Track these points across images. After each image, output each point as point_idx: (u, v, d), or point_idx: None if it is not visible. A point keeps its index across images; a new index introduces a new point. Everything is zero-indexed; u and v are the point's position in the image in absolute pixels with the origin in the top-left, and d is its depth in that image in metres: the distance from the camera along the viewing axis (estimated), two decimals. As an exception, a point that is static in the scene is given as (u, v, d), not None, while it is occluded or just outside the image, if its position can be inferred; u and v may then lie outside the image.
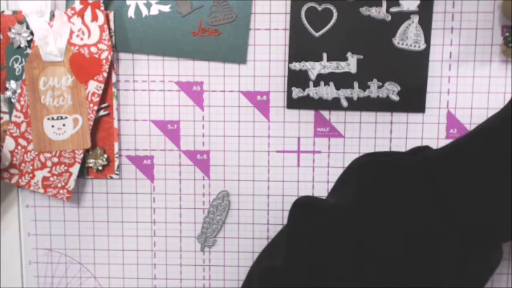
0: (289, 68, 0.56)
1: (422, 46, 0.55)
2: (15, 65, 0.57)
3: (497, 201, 0.42)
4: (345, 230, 0.45)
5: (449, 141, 0.56)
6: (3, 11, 0.56)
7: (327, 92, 0.56)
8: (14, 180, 0.58)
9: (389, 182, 0.46)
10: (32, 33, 0.56)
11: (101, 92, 0.56)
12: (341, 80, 0.55)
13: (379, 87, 0.55)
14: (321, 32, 0.55)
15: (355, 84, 0.55)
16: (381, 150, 0.57)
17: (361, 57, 0.55)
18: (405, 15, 0.54)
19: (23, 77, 0.56)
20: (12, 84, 0.57)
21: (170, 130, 0.58)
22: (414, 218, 0.44)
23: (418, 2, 0.54)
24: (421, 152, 0.48)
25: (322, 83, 0.56)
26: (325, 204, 0.49)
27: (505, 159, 0.42)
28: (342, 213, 0.46)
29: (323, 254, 0.46)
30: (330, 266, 0.45)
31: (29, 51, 0.56)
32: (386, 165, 0.47)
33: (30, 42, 0.56)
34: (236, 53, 0.56)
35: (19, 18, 0.56)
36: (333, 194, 0.52)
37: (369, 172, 0.47)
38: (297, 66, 0.56)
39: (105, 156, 0.58)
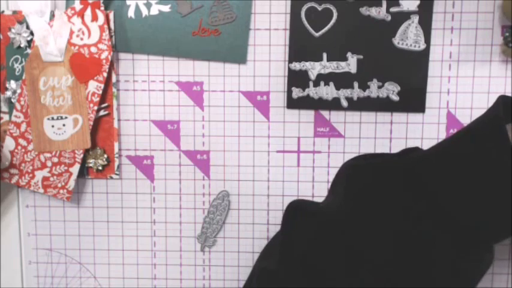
0: (289, 68, 0.56)
1: (422, 46, 0.55)
2: (15, 65, 0.57)
3: (486, 201, 0.42)
4: (334, 232, 0.46)
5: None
6: (3, 11, 0.56)
7: (327, 92, 0.56)
8: (14, 180, 0.58)
9: (377, 184, 0.46)
10: (32, 33, 0.56)
11: (101, 92, 0.56)
12: (341, 80, 0.55)
13: (379, 87, 0.55)
14: (321, 32, 0.55)
15: (355, 84, 0.55)
16: (381, 150, 0.57)
17: (361, 57, 0.55)
18: (405, 15, 0.54)
19: (23, 77, 0.56)
20: (12, 84, 0.57)
21: (170, 130, 0.58)
22: (403, 218, 0.44)
23: (418, 2, 0.54)
24: (411, 153, 0.48)
25: (322, 83, 0.56)
26: (316, 207, 0.49)
27: (492, 160, 0.42)
28: (332, 216, 0.47)
29: (314, 256, 0.46)
30: (322, 267, 0.45)
31: (29, 51, 0.56)
32: (375, 167, 0.47)
33: (30, 42, 0.56)
34: (236, 53, 0.56)
35: (19, 18, 0.56)
36: (326, 196, 0.53)
37: (357, 174, 0.48)
38: (297, 66, 0.56)
39: (105, 156, 0.58)
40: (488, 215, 0.42)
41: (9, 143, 0.57)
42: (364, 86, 0.55)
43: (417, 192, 0.44)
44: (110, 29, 0.55)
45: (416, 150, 0.50)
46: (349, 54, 0.55)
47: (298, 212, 0.50)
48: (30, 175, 0.58)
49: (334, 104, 0.56)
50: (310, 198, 0.58)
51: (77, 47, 0.56)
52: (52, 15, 0.55)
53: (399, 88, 0.55)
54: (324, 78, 0.56)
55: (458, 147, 0.44)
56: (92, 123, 0.56)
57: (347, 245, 0.45)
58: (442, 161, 0.44)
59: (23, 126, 0.57)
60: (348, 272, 0.44)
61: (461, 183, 0.43)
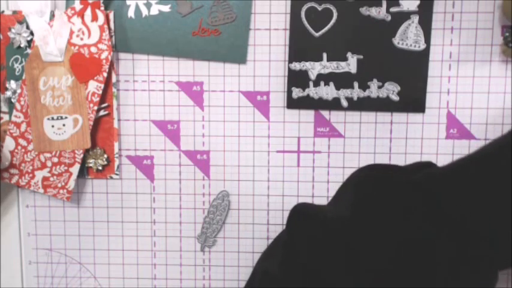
0: (289, 68, 0.56)
1: (422, 46, 0.55)
2: (15, 65, 0.57)
3: (497, 225, 0.42)
4: (340, 240, 0.46)
5: (449, 141, 0.56)
6: (3, 11, 0.56)
7: (327, 92, 0.56)
8: (14, 180, 0.58)
9: (386, 197, 0.46)
10: (32, 33, 0.56)
11: (101, 92, 0.56)
12: (341, 80, 0.55)
13: (379, 87, 0.55)
14: (321, 32, 0.55)
15: (355, 84, 0.55)
16: (381, 150, 0.57)
17: (361, 57, 0.55)
18: (405, 15, 0.54)
19: (23, 77, 0.56)
20: (12, 84, 0.57)
21: (170, 130, 0.58)
22: (409, 232, 0.44)
23: (418, 2, 0.54)
24: (424, 168, 0.48)
25: (322, 83, 0.56)
26: (322, 214, 0.50)
27: (506, 182, 0.42)
28: (338, 224, 0.47)
29: (318, 262, 0.46)
30: (325, 274, 0.45)
31: (29, 51, 0.56)
32: (384, 179, 0.47)
33: (30, 42, 0.56)
34: (236, 53, 0.56)
35: (19, 18, 0.56)
36: (332, 203, 0.53)
37: (367, 185, 0.48)
38: (297, 66, 0.56)
39: (105, 156, 0.58)
40: (499, 238, 0.43)
41: (9, 143, 0.57)
42: (364, 86, 0.55)
43: (428, 208, 0.44)
44: (110, 29, 0.55)
45: (430, 165, 0.50)
46: (349, 54, 0.55)
47: (304, 218, 0.50)
48: (30, 175, 0.58)
49: (334, 104, 0.56)
50: (310, 198, 0.58)
51: (77, 47, 0.56)
52: (52, 15, 0.55)
53: (399, 88, 0.55)
54: (324, 78, 0.56)
55: (476, 168, 0.44)
56: (92, 123, 0.56)
57: (351, 254, 0.45)
58: (459, 181, 0.44)
59: (23, 126, 0.57)
60: (350, 280, 0.44)
61: (476, 204, 0.43)
